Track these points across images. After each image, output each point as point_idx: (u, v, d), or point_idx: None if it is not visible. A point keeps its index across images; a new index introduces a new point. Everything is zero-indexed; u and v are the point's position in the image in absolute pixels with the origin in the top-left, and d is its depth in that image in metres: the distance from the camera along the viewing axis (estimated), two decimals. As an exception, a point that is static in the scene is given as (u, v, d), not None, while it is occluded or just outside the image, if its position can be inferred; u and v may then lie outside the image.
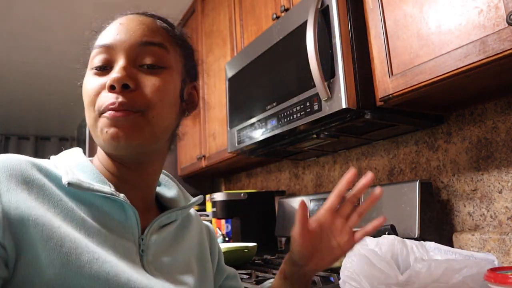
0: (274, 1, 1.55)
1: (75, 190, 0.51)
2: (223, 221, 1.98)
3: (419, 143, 1.32)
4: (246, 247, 1.39)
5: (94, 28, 0.62)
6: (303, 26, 1.17)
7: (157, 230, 0.59)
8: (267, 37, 1.39)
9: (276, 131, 1.30)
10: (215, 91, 2.05)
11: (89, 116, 0.56)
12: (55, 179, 0.52)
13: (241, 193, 1.87)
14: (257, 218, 1.89)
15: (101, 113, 0.54)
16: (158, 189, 0.68)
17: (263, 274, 1.14)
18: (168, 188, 0.68)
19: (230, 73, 1.64)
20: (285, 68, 1.28)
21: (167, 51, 0.59)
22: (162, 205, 0.66)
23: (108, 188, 0.53)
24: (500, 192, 1.07)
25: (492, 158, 1.10)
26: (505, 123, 1.08)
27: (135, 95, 0.54)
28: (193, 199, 0.68)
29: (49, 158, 0.59)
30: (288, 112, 1.24)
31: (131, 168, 0.58)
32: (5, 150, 4.88)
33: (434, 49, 0.90)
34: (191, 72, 0.66)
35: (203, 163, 2.14)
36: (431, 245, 0.84)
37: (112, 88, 0.53)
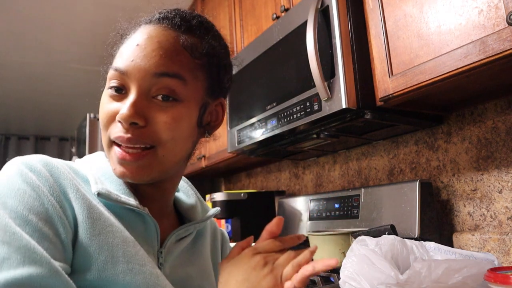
0: (274, 1, 1.55)
1: (102, 199, 0.53)
2: (223, 221, 1.98)
3: (419, 143, 1.32)
4: (246, 247, 1.39)
5: (118, 30, 0.61)
6: (303, 26, 1.17)
7: (174, 243, 0.59)
8: (267, 37, 1.39)
9: (276, 131, 1.30)
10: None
11: (103, 137, 0.56)
12: (87, 186, 0.53)
13: (241, 193, 1.87)
14: (257, 218, 1.89)
15: (113, 141, 0.54)
16: (177, 194, 0.68)
17: (263, 274, 1.14)
18: (187, 196, 0.68)
19: (230, 73, 1.63)
20: (285, 68, 1.28)
21: (184, 82, 0.54)
22: (179, 212, 0.67)
23: (133, 200, 0.54)
24: (500, 192, 1.07)
25: (492, 158, 1.10)
26: (505, 123, 1.08)
27: (144, 131, 0.52)
28: (211, 211, 0.68)
29: (78, 154, 0.60)
30: (288, 112, 1.24)
31: (148, 186, 0.59)
32: (5, 150, 4.88)
33: (434, 49, 0.90)
34: (216, 89, 0.61)
35: (203, 163, 2.14)
36: (431, 245, 0.84)
37: (120, 123, 0.53)
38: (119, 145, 0.53)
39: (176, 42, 0.55)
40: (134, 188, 0.58)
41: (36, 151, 5.00)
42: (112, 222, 0.51)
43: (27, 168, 0.49)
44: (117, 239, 0.50)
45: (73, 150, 3.55)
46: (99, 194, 0.51)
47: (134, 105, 0.52)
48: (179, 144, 0.55)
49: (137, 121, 0.51)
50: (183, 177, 0.67)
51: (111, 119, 0.54)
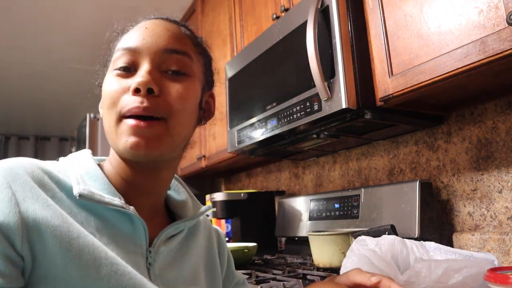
0: (274, 1, 1.55)
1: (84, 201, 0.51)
2: (223, 221, 1.98)
3: (419, 143, 1.32)
4: (246, 247, 1.40)
5: (116, 29, 0.62)
6: (303, 26, 1.17)
7: (164, 241, 0.58)
8: (267, 37, 1.39)
9: (276, 131, 1.30)
10: (215, 91, 2.05)
11: (108, 118, 0.55)
12: (65, 188, 0.51)
13: (241, 193, 1.87)
14: (257, 218, 1.89)
15: (122, 116, 0.53)
16: (168, 192, 0.66)
17: (263, 274, 1.14)
18: (177, 193, 0.67)
19: (230, 73, 1.64)
20: (285, 68, 1.28)
21: (191, 59, 0.59)
22: (169, 210, 0.66)
23: (118, 200, 0.52)
24: (500, 192, 1.07)
25: (492, 158, 1.10)
26: (505, 123, 1.08)
27: (159, 101, 0.53)
28: (202, 208, 0.67)
29: (57, 160, 0.58)
30: (288, 112, 1.24)
31: (145, 174, 0.58)
32: (5, 150, 4.87)
33: (434, 49, 0.90)
34: (209, 80, 0.66)
35: (203, 163, 2.13)
36: (431, 245, 0.84)
37: (136, 92, 0.52)
38: (131, 118, 0.53)
39: (179, 30, 0.60)
40: (126, 181, 0.57)
41: (36, 151, 5.00)
42: (92, 223, 0.50)
43: None
44: (98, 241, 0.48)
45: (73, 150, 3.55)
46: (80, 196, 0.49)
47: (150, 72, 0.54)
48: (187, 117, 0.57)
49: (153, 88, 0.52)
50: (175, 175, 0.66)
51: (121, 94, 0.54)
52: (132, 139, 0.52)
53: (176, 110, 0.55)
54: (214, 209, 1.88)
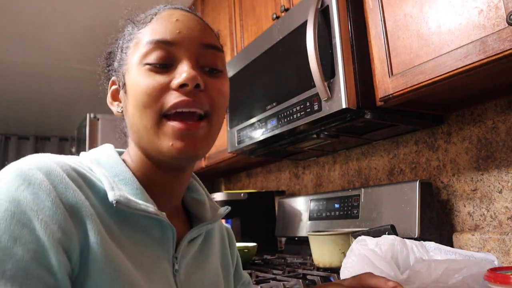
0: (274, 1, 1.55)
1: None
2: (223, 221, 1.98)
3: (419, 143, 1.32)
4: (246, 247, 1.40)
5: (130, 17, 0.59)
6: (303, 26, 1.17)
7: (186, 245, 0.57)
8: (267, 37, 1.39)
9: (276, 131, 1.30)
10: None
11: (145, 117, 0.51)
12: (98, 193, 0.48)
13: (241, 193, 1.87)
14: (257, 218, 1.89)
15: (163, 116, 0.51)
16: (186, 192, 0.65)
17: (263, 274, 1.14)
18: (195, 193, 0.65)
19: (230, 73, 1.64)
20: (285, 68, 1.28)
21: (223, 56, 0.58)
22: (187, 209, 0.64)
23: (152, 207, 0.50)
24: (500, 192, 1.07)
25: (492, 158, 1.10)
26: (505, 123, 1.08)
27: (204, 95, 0.53)
28: (221, 210, 0.65)
29: (78, 154, 0.55)
30: (288, 112, 1.24)
31: (171, 175, 0.56)
32: (5, 150, 4.87)
33: (434, 49, 0.90)
34: None
35: (203, 163, 2.13)
36: (431, 245, 0.84)
37: (181, 87, 0.50)
38: (175, 119, 0.50)
39: (203, 22, 0.58)
40: (151, 181, 0.55)
41: (36, 151, 4.99)
42: (125, 231, 0.48)
43: (22, 179, 0.41)
44: (131, 259, 0.47)
45: (73, 150, 3.55)
46: (117, 203, 0.46)
47: (193, 68, 0.52)
48: (223, 115, 0.57)
49: (200, 83, 0.51)
50: (192, 173, 0.64)
51: (161, 91, 0.51)
52: (179, 143, 0.50)
53: (218, 107, 0.55)
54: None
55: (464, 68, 0.83)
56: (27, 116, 4.46)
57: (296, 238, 1.64)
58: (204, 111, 0.53)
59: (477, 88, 1.01)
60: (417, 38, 0.94)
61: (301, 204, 1.63)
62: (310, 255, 1.27)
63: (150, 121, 0.51)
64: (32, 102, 3.99)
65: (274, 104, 1.32)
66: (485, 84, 0.98)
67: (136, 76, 0.52)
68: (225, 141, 1.84)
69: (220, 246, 0.68)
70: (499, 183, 1.08)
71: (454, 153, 1.21)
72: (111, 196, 0.47)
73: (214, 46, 0.56)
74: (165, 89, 0.51)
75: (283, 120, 1.27)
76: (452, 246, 1.13)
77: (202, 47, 0.54)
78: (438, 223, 1.18)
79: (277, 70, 1.32)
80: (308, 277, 1.08)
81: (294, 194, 1.94)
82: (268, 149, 1.53)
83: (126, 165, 0.54)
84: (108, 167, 0.52)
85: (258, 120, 1.40)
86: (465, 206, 1.16)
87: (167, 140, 0.50)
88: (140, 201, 0.49)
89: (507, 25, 0.75)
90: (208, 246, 0.63)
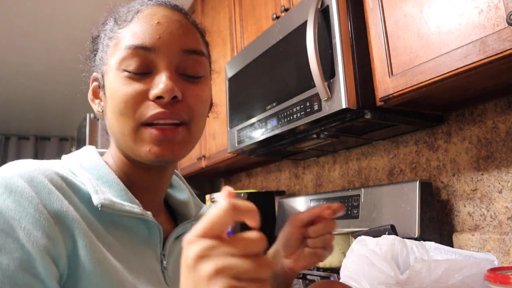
0: (274, 1, 1.55)
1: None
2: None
3: (419, 143, 1.32)
4: (246, 247, 1.39)
5: (111, 14, 0.58)
6: (303, 26, 1.17)
7: (173, 242, 0.58)
8: (267, 37, 1.39)
9: (276, 131, 1.30)
10: (215, 91, 2.05)
11: (122, 124, 0.51)
12: (83, 197, 0.49)
13: (241, 193, 1.87)
14: (257, 218, 1.89)
15: (143, 123, 0.50)
16: (169, 190, 0.65)
17: (263, 274, 1.14)
18: (179, 191, 0.66)
19: (230, 73, 1.64)
20: (285, 68, 1.28)
21: (205, 59, 0.57)
22: (170, 207, 0.65)
23: (137, 208, 0.51)
24: (500, 192, 1.07)
25: (492, 158, 1.10)
26: (505, 123, 1.08)
27: (181, 105, 0.52)
28: (205, 207, 0.66)
29: (60, 158, 0.55)
30: (288, 112, 1.24)
31: (152, 174, 0.56)
32: (5, 150, 4.87)
33: (434, 49, 0.90)
34: (210, 71, 0.64)
35: (203, 163, 2.13)
36: (431, 245, 0.84)
37: (158, 98, 0.50)
38: (152, 126, 0.50)
39: (188, 22, 0.56)
40: (133, 181, 0.55)
41: (36, 151, 5.00)
42: (111, 233, 0.49)
43: (4, 188, 0.41)
44: (120, 260, 0.47)
45: (73, 150, 3.54)
46: (102, 206, 0.47)
47: (171, 78, 0.50)
48: (204, 120, 0.57)
49: (177, 95, 0.50)
50: (175, 170, 0.65)
51: (139, 100, 0.50)
52: (156, 148, 0.50)
53: (197, 114, 0.54)
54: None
55: (464, 68, 0.83)
56: (27, 116, 4.46)
57: (296, 238, 1.63)
58: (182, 121, 0.52)
59: (477, 88, 1.01)
60: (417, 38, 0.94)
61: (301, 204, 1.63)
62: (310, 255, 1.27)
63: (127, 128, 0.51)
64: (32, 102, 4.00)
65: (274, 104, 1.32)
66: (485, 84, 0.98)
67: (114, 81, 0.52)
68: (225, 141, 1.84)
69: None
70: (499, 183, 1.08)
71: (454, 153, 1.21)
72: (96, 200, 0.47)
73: (196, 51, 0.54)
74: (142, 98, 0.50)
75: (283, 120, 1.27)
76: (452, 246, 1.13)
77: (183, 53, 0.53)
78: (438, 223, 1.18)
79: (277, 70, 1.32)
80: (308, 277, 1.08)
81: (294, 194, 1.94)
82: (268, 149, 1.53)
83: (109, 166, 0.55)
84: (91, 170, 0.52)
85: (258, 120, 1.40)
86: (465, 206, 1.16)
87: (145, 146, 0.50)
88: (125, 203, 0.50)
89: (507, 25, 0.75)
90: None
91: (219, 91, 1.99)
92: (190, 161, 2.33)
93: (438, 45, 0.89)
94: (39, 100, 3.96)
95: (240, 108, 1.54)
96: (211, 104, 0.66)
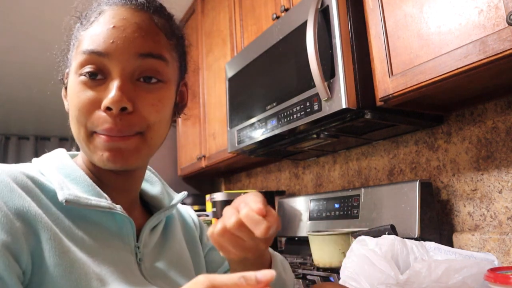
0: (274, 1, 1.55)
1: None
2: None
3: (419, 143, 1.32)
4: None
5: (76, 13, 0.57)
6: (303, 26, 1.17)
7: (148, 234, 0.58)
8: (267, 37, 1.39)
9: (276, 131, 1.30)
10: (215, 91, 2.05)
11: (77, 130, 0.52)
12: (49, 193, 0.49)
13: (241, 193, 1.87)
14: (257, 218, 1.88)
15: (94, 132, 0.51)
16: (142, 185, 0.65)
17: (263, 274, 1.14)
18: (151, 184, 0.67)
19: (230, 73, 1.64)
20: (285, 68, 1.28)
21: (166, 63, 0.54)
22: (145, 201, 0.65)
23: (105, 201, 0.51)
24: (500, 192, 1.07)
25: (492, 158, 1.10)
26: (505, 123, 1.08)
27: (133, 118, 0.50)
28: (178, 197, 0.66)
29: (30, 161, 0.56)
30: (288, 112, 1.24)
31: (120, 176, 0.57)
32: (5, 150, 4.87)
33: (434, 49, 0.90)
34: (184, 69, 0.62)
35: (203, 163, 2.14)
36: (431, 245, 0.84)
37: (108, 109, 0.49)
38: (103, 133, 0.50)
39: (151, 23, 0.54)
40: (101, 181, 0.56)
41: (36, 151, 5.00)
42: (80, 227, 0.49)
43: None
44: (90, 254, 0.47)
45: (73, 150, 3.54)
46: (67, 202, 0.47)
47: (121, 88, 0.49)
48: (164, 126, 0.55)
49: (127, 106, 0.49)
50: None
51: (90, 109, 0.50)
52: (108, 154, 0.50)
53: (153, 123, 0.52)
54: (214, 209, 1.88)
55: (464, 68, 0.83)
56: (27, 116, 4.46)
57: (296, 238, 1.64)
58: (134, 132, 0.51)
59: (477, 88, 1.01)
60: (417, 38, 0.94)
61: (301, 204, 1.63)
62: (310, 255, 1.27)
63: (82, 134, 0.52)
64: (32, 102, 3.99)
65: (274, 104, 1.32)
66: (485, 84, 0.98)
67: (72, 86, 0.52)
68: (225, 141, 1.84)
69: (183, 229, 0.69)
70: (499, 183, 1.08)
71: (454, 153, 1.21)
72: (60, 196, 0.48)
73: (153, 54, 0.52)
74: (95, 107, 0.50)
75: (283, 120, 1.27)
76: (452, 246, 1.13)
77: (138, 57, 0.51)
78: (438, 223, 1.18)
79: (277, 70, 1.32)
80: (308, 277, 1.08)
81: (294, 194, 1.94)
82: (268, 149, 1.53)
83: (79, 166, 0.55)
84: (60, 169, 0.53)
85: (258, 120, 1.40)
86: (465, 206, 1.16)
87: (98, 151, 0.51)
88: (91, 197, 0.50)
89: (507, 25, 0.75)
90: (170, 231, 0.64)
91: (219, 91, 1.99)
92: (190, 161, 2.33)
93: (438, 45, 0.89)
94: (39, 100, 3.95)
95: (240, 108, 1.54)
96: (183, 106, 0.64)
